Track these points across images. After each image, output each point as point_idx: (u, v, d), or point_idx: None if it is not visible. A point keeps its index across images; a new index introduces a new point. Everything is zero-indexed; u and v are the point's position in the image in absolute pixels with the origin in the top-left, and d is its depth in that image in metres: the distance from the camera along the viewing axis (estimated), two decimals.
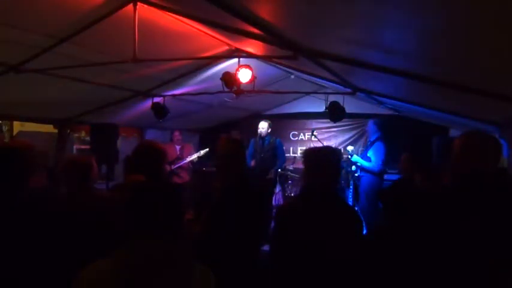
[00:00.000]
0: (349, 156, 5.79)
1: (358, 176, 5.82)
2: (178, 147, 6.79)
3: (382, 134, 5.63)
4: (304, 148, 7.84)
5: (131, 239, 1.36)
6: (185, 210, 2.11)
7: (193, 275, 1.39)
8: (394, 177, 5.34)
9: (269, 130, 6.24)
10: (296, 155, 7.90)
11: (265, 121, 6.29)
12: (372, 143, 5.65)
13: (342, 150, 5.82)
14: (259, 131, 6.17)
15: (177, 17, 3.23)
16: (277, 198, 7.27)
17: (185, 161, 6.60)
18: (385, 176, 5.69)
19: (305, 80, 6.08)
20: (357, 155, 5.89)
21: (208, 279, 1.43)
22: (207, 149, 6.51)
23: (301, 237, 2.14)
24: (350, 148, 5.98)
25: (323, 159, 2.25)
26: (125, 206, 1.40)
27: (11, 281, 1.91)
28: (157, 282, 1.31)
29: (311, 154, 2.32)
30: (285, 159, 6.59)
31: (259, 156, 6.11)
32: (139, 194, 1.40)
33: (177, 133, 6.85)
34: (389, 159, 5.54)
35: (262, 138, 6.18)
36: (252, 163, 6.14)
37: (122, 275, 1.31)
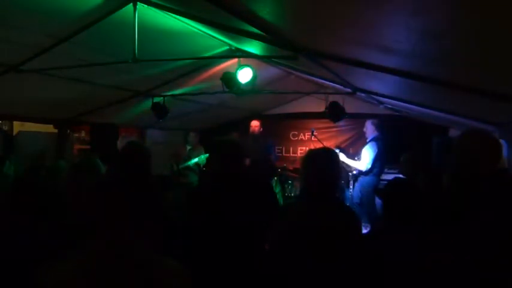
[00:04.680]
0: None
1: (357, 176, 5.82)
2: (189, 148, 6.82)
3: (379, 134, 5.60)
4: (304, 148, 7.85)
5: (96, 233, 1.33)
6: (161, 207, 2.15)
7: (160, 272, 1.35)
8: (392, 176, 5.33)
9: (261, 129, 6.33)
10: (296, 155, 7.91)
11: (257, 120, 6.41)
12: (366, 143, 5.65)
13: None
14: (251, 129, 6.26)
15: (177, 17, 3.23)
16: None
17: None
18: (384, 176, 5.69)
19: (305, 80, 6.07)
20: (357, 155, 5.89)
21: (180, 277, 1.38)
22: (196, 159, 6.44)
23: (296, 237, 2.15)
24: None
25: (320, 161, 2.26)
26: (95, 198, 1.38)
27: None
28: (122, 278, 1.29)
29: (308, 156, 2.33)
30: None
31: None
32: (108, 187, 1.39)
33: (190, 133, 6.90)
34: (389, 159, 5.54)
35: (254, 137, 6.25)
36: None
37: (90, 270, 1.28)
